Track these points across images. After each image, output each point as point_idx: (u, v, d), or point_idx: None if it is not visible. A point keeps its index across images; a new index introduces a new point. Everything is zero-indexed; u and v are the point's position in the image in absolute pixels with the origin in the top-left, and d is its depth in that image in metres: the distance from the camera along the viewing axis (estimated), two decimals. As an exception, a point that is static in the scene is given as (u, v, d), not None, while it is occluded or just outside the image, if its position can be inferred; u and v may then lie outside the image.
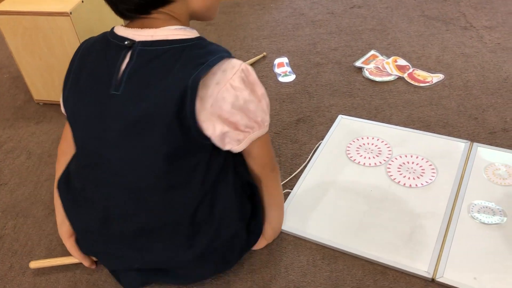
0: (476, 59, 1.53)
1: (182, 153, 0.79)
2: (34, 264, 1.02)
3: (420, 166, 1.16)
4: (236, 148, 0.81)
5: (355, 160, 1.20)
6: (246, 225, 0.93)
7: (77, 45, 1.36)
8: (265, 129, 0.83)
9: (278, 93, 1.49)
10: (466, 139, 1.22)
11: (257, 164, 0.90)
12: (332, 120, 1.34)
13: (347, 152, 1.23)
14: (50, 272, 1.03)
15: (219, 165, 0.85)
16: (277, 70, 1.60)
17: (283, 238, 1.04)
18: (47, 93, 1.51)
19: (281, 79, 1.56)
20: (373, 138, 1.26)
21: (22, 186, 1.26)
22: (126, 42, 0.75)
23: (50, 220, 1.14)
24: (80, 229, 0.93)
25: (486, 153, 1.17)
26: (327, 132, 1.30)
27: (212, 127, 0.77)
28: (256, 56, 1.66)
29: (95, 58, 0.80)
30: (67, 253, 1.06)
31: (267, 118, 0.82)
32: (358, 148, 1.23)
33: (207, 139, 0.79)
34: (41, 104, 1.55)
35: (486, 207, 1.04)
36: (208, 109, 0.75)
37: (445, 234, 0.99)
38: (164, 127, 0.74)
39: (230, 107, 0.76)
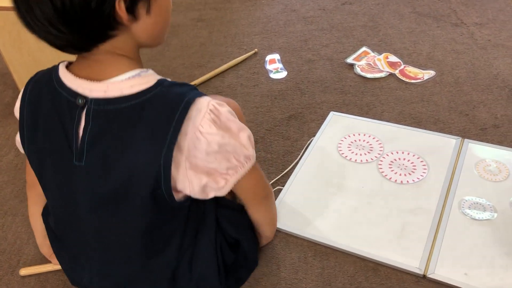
0: (467, 56, 1.54)
1: (159, 223, 0.75)
2: (24, 271, 1.01)
3: (412, 163, 1.16)
4: (220, 193, 0.75)
5: (346, 156, 1.20)
6: (232, 276, 0.89)
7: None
8: (250, 163, 0.75)
9: (269, 90, 1.48)
10: (457, 135, 1.23)
11: (247, 196, 0.84)
12: (323, 117, 1.34)
13: (339, 148, 1.23)
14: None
15: (198, 220, 0.81)
16: (268, 66, 1.59)
17: (275, 235, 1.03)
18: (36, 89, 1.49)
19: (272, 75, 1.55)
20: (364, 135, 1.26)
21: (10, 184, 1.24)
22: (79, 101, 0.66)
23: (39, 218, 1.13)
24: (65, 270, 0.90)
25: (477, 149, 1.18)
26: (319, 128, 1.30)
27: (190, 185, 0.71)
28: (247, 53, 1.65)
29: (47, 115, 0.71)
30: (56, 252, 1.05)
31: (250, 152, 0.74)
32: (349, 144, 1.23)
33: (186, 198, 0.75)
34: (30, 101, 1.53)
35: (477, 203, 1.04)
36: (182, 164, 0.69)
37: (436, 230, 1.00)
38: (138, 205, 0.70)
39: (205, 155, 0.69)
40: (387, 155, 1.19)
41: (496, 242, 0.97)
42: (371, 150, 1.21)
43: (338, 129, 1.29)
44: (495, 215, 1.02)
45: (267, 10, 1.94)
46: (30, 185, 0.91)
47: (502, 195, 1.05)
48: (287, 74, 1.55)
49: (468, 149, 1.18)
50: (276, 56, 1.64)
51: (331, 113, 1.35)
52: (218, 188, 0.74)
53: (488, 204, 1.04)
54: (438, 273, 0.92)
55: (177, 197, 0.73)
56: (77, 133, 0.68)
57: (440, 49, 1.59)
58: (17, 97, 1.53)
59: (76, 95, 0.67)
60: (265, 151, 1.25)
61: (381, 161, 1.18)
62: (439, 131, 1.25)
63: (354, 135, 1.26)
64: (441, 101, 1.36)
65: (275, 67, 1.58)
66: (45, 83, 0.72)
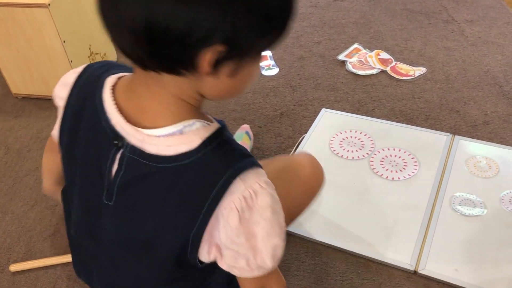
0: (458, 53, 1.55)
1: (179, 273, 0.70)
2: (14, 267, 1.00)
3: (403, 159, 1.16)
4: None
5: (338, 153, 1.20)
6: None
7: (56, 38, 1.34)
8: (261, 272, 0.63)
9: (261, 87, 1.48)
10: (448, 132, 1.23)
11: None
12: (315, 114, 1.34)
13: (330, 145, 1.23)
14: (30, 269, 1.01)
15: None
16: (260, 63, 1.59)
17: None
18: (26, 87, 1.48)
19: (264, 72, 1.55)
20: (356, 132, 1.26)
21: (0, 182, 1.23)
22: (115, 142, 0.60)
23: (29, 216, 1.12)
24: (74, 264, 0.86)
25: (468, 146, 1.18)
26: (311, 125, 1.30)
27: (207, 254, 0.63)
28: (239, 49, 1.65)
29: (86, 132, 0.65)
30: (47, 251, 1.04)
31: (267, 265, 0.62)
32: (341, 141, 1.24)
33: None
34: (20, 98, 1.52)
35: (467, 199, 1.05)
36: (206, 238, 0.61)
37: (427, 226, 1.00)
38: (159, 262, 0.66)
39: (218, 234, 0.60)
40: (379, 151, 1.19)
41: (486, 238, 0.97)
42: (362, 147, 1.21)
43: (330, 126, 1.29)
44: (485, 211, 1.02)
45: (259, 6, 1.93)
46: (47, 168, 0.86)
47: (492, 191, 1.06)
48: (279, 71, 1.55)
49: (458, 145, 1.18)
50: (268, 53, 1.63)
51: (323, 110, 1.35)
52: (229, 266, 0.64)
53: (478, 200, 1.04)
54: (428, 269, 0.93)
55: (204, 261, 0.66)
56: (110, 172, 0.62)
57: (431, 46, 1.59)
58: (6, 95, 1.53)
59: (113, 131, 0.60)
60: (257, 148, 1.25)
61: (373, 158, 1.18)
62: (430, 128, 1.26)
63: (345, 132, 1.26)
64: (432, 98, 1.37)
65: (267, 64, 1.58)
66: (90, 95, 0.63)
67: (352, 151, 1.20)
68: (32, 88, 1.48)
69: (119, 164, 0.61)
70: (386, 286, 0.92)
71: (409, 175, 1.12)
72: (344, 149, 1.21)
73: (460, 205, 1.04)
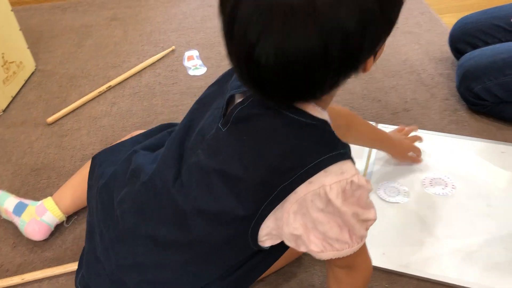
0: (378, 44, 1.60)
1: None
2: None
3: (330, 151, 1.19)
4: (311, 254, 0.66)
5: (267, 149, 1.21)
6: None
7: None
8: (358, 246, 0.65)
9: (189, 87, 1.46)
10: (371, 120, 1.28)
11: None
12: (244, 111, 1.34)
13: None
14: None
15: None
16: (187, 63, 1.57)
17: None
18: None
19: (191, 72, 1.53)
20: (284, 126, 1.27)
21: None
22: None
23: None
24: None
25: (390, 133, 1.23)
26: (240, 123, 1.29)
27: (283, 227, 0.64)
28: (164, 51, 1.62)
29: None
30: None
31: (365, 233, 0.65)
32: (270, 137, 1.24)
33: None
34: None
35: (391, 186, 1.09)
36: (289, 204, 0.62)
37: (355, 214, 1.03)
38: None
39: (316, 211, 0.61)
40: (307, 145, 1.21)
41: (410, 220, 1.02)
42: (291, 141, 1.23)
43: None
44: (409, 195, 1.07)
45: (183, 6, 1.91)
46: None
47: (414, 175, 1.11)
48: (207, 70, 1.53)
49: (381, 133, 1.23)
50: (195, 53, 1.62)
51: (251, 107, 1.35)
52: (309, 250, 0.65)
53: (401, 186, 1.09)
54: (358, 256, 0.95)
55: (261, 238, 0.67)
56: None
57: (353, 38, 1.64)
58: None
59: None
60: (186, 149, 1.23)
61: (301, 151, 1.19)
62: (355, 118, 1.29)
63: (274, 127, 1.27)
64: (355, 89, 1.41)
65: (194, 64, 1.56)
66: None
67: (281, 146, 1.21)
68: None
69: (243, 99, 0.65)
70: (317, 272, 0.94)
71: (336, 165, 1.15)
72: (273, 145, 1.22)
73: (384, 192, 1.07)
